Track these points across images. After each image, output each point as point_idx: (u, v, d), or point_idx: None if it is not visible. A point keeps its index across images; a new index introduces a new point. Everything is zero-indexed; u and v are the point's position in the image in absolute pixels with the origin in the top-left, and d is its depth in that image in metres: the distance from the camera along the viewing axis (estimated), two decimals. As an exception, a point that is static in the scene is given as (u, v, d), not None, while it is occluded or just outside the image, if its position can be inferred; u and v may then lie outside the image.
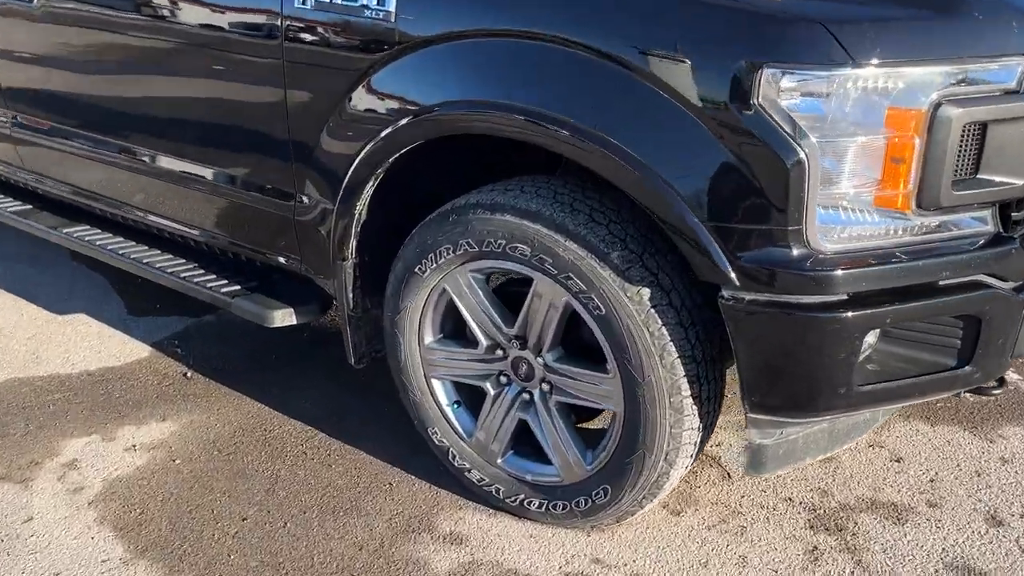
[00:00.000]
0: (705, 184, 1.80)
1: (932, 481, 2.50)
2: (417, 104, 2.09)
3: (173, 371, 3.08)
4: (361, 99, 2.16)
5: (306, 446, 2.68)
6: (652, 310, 1.96)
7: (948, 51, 1.75)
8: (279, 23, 2.23)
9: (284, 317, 2.55)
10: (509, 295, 2.25)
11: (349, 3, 2.12)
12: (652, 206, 1.87)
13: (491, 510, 2.41)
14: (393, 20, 2.07)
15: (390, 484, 2.52)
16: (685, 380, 1.99)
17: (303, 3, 2.18)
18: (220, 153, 2.61)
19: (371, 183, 2.24)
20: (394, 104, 2.13)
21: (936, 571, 2.18)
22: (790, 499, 2.44)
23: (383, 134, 2.14)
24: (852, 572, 2.19)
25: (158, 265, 2.82)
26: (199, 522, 2.38)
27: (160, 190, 2.80)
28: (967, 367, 1.93)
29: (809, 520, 2.36)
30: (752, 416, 1.95)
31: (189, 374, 3.05)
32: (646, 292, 1.96)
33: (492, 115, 1.99)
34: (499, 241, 2.07)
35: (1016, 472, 2.51)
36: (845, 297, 1.80)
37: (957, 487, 2.47)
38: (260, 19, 2.27)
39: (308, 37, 2.21)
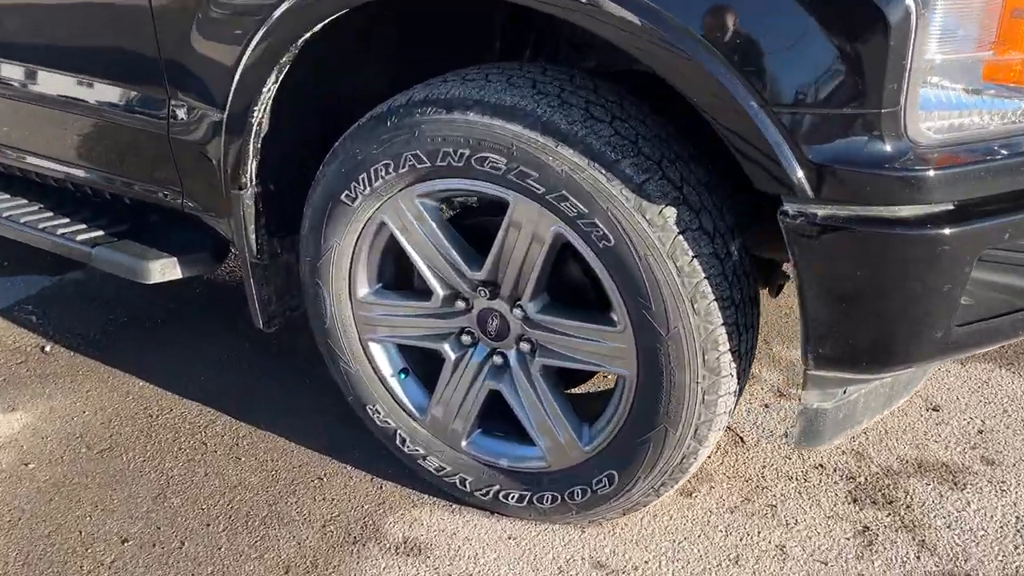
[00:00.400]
0: (764, 50, 1.29)
1: (981, 432, 2.08)
2: None
3: (26, 344, 2.52)
4: None
5: (205, 434, 2.14)
6: (680, 237, 1.43)
7: None
8: None
9: (164, 270, 1.99)
10: (468, 228, 1.70)
11: None
12: (686, 85, 1.34)
13: (455, 506, 1.90)
14: None
15: (320, 478, 1.97)
16: (723, 330, 1.49)
17: None
18: (70, 54, 2.02)
19: (272, 80, 1.69)
20: None
21: (1016, 547, 1.77)
22: (821, 466, 1.98)
23: (278, 12, 1.59)
24: (918, 557, 1.75)
25: (-13, 208, 2.16)
26: (62, 550, 1.82)
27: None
28: (1081, 296, 1.49)
29: (850, 492, 1.91)
30: (815, 373, 1.47)
31: (48, 348, 2.51)
32: (671, 213, 1.43)
33: None
34: (460, 151, 1.52)
35: (1072, 415, 2.13)
36: (951, 207, 1.32)
37: (1012, 438, 2.06)
38: None
39: None
